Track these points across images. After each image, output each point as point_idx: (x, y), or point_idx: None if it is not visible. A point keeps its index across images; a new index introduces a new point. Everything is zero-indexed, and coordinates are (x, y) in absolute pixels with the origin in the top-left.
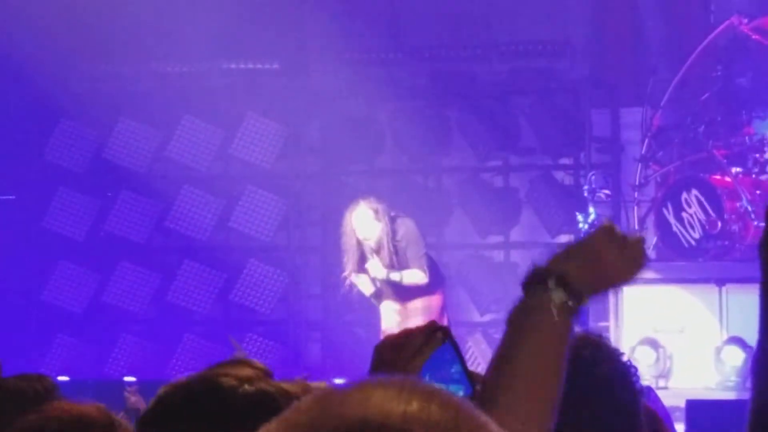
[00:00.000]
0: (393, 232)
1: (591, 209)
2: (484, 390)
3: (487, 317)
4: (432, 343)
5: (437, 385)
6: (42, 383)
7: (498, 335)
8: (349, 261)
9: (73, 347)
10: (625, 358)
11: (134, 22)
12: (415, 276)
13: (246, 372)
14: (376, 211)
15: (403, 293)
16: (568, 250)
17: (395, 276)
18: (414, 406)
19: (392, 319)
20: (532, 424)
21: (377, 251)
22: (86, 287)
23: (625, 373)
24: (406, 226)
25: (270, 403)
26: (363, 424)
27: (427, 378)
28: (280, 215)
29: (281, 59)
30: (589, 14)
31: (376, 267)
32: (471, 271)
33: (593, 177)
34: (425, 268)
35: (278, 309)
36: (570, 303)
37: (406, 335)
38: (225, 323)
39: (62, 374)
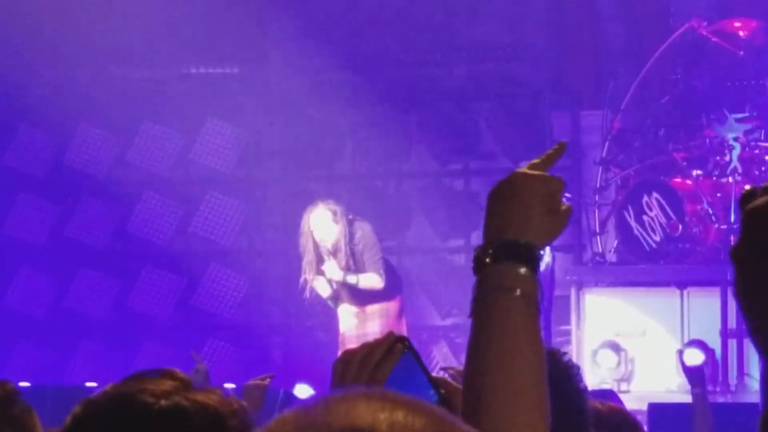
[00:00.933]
0: (350, 235)
1: None
2: (467, 394)
3: (449, 321)
4: (392, 356)
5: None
6: (4, 388)
7: (460, 339)
8: (307, 263)
9: (34, 353)
10: (566, 358)
11: (94, 28)
12: (371, 280)
13: (165, 385)
14: (334, 213)
15: (361, 297)
16: (498, 210)
17: (351, 278)
18: (399, 415)
19: (350, 322)
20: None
21: (334, 253)
22: (47, 293)
23: (567, 373)
24: (363, 230)
25: (184, 419)
26: None
27: None
28: (240, 220)
29: (241, 64)
30: (549, 17)
31: (333, 269)
32: (432, 276)
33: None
34: (381, 272)
35: (239, 314)
36: (534, 268)
37: (365, 349)
38: (186, 328)
39: (23, 380)
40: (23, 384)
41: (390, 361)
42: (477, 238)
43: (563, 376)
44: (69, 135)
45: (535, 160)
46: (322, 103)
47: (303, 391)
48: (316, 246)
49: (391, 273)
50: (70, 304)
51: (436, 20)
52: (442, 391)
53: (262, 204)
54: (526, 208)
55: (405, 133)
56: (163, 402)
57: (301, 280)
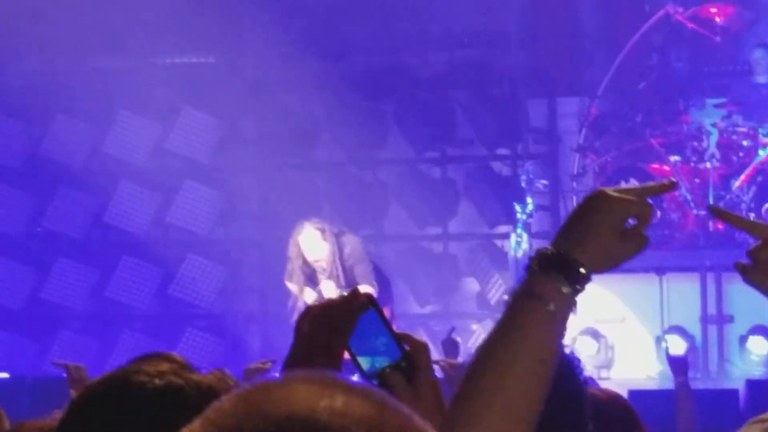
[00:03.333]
0: (339, 251)
1: (529, 200)
2: (463, 382)
3: (427, 309)
4: (356, 311)
5: (367, 360)
6: None
7: (438, 327)
8: (296, 284)
9: (12, 343)
10: (567, 350)
11: (68, 17)
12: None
13: (161, 366)
14: (322, 231)
15: None
16: (577, 228)
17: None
18: (338, 401)
19: None
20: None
21: (330, 273)
22: (24, 284)
23: (569, 364)
24: (351, 244)
25: (179, 397)
26: (288, 420)
27: (353, 349)
28: (217, 209)
29: (216, 53)
30: (524, 4)
31: (330, 289)
32: (410, 263)
33: (530, 167)
34: (374, 283)
35: (217, 303)
36: (577, 289)
37: (328, 305)
38: (164, 318)
39: (1, 371)
40: (2, 375)
41: (353, 317)
42: (454, 225)
43: (566, 368)
44: (45, 125)
45: (632, 187)
46: (297, 92)
47: None
48: (305, 266)
49: (382, 282)
50: (48, 294)
51: (412, 7)
52: (406, 346)
53: (238, 193)
54: (596, 227)
55: (381, 121)
56: (157, 381)
57: (291, 303)
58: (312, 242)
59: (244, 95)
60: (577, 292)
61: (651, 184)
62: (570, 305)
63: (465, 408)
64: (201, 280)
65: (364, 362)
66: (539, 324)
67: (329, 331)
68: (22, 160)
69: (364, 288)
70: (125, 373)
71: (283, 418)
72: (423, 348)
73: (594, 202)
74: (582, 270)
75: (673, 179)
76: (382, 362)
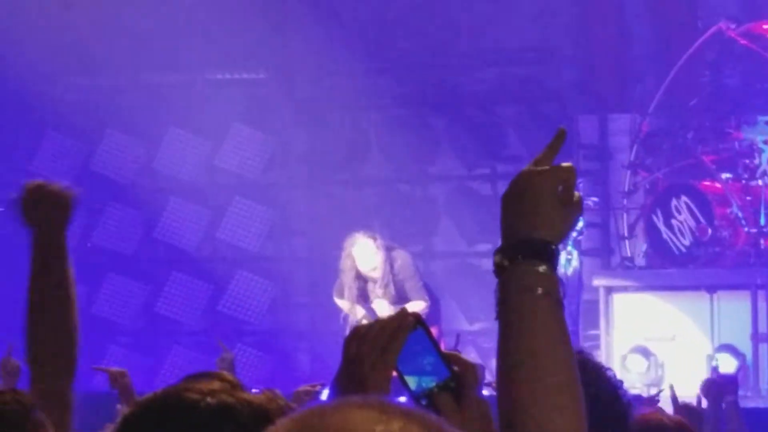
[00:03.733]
0: (390, 265)
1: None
2: (501, 399)
3: (476, 326)
4: (403, 331)
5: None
6: (20, 401)
7: (488, 344)
8: (348, 300)
9: None
10: (610, 373)
11: (120, 34)
12: (417, 307)
13: (213, 385)
14: (375, 239)
15: None
16: (511, 210)
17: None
18: (395, 426)
19: None
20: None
21: (384, 286)
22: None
23: (614, 390)
24: (401, 259)
25: (231, 416)
26: None
27: (401, 369)
28: (267, 225)
29: (267, 69)
30: (576, 20)
31: (383, 307)
32: (459, 280)
33: (581, 184)
34: (426, 297)
35: (266, 319)
36: (553, 264)
37: (377, 325)
38: (213, 334)
39: None
40: None
41: (401, 337)
42: None
43: (612, 393)
44: (96, 141)
45: (538, 155)
46: (347, 108)
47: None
48: (360, 279)
49: (431, 299)
50: (98, 310)
51: (462, 24)
52: (455, 367)
53: (288, 209)
54: (536, 204)
55: (431, 137)
56: (209, 399)
57: (342, 316)
58: (366, 252)
59: (294, 111)
60: (554, 267)
61: (550, 142)
62: (554, 281)
63: (519, 421)
64: (250, 296)
65: (411, 382)
66: (539, 310)
67: (377, 351)
68: (72, 175)
69: (416, 303)
70: (177, 391)
71: None
72: (471, 368)
73: (521, 183)
74: (548, 244)
75: (563, 128)
76: (430, 382)
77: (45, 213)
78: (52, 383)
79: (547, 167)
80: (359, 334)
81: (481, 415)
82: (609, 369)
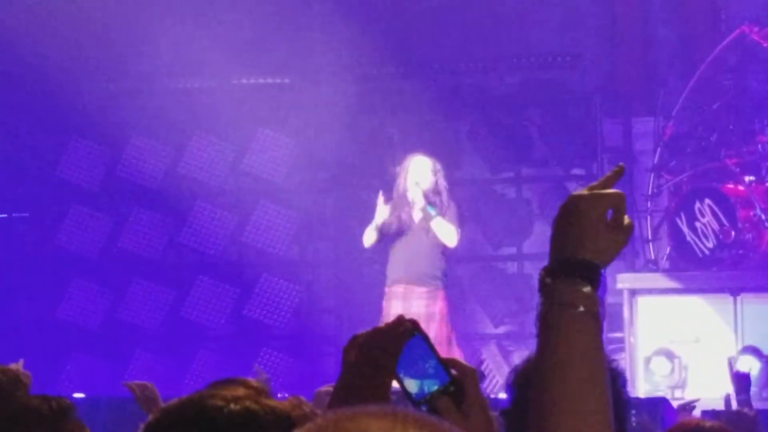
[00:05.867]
0: (439, 193)
1: None
2: (532, 409)
3: (502, 329)
4: (401, 338)
5: (416, 382)
6: (58, 404)
7: (513, 348)
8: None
9: (88, 364)
10: (614, 365)
11: (145, 39)
12: (447, 227)
13: (237, 392)
14: (434, 164)
15: (413, 275)
16: (561, 231)
17: (432, 211)
18: None
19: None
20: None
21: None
22: (100, 304)
23: (614, 379)
24: (452, 202)
25: (255, 423)
26: None
27: (401, 375)
28: (292, 229)
29: (291, 74)
30: (600, 24)
31: (418, 195)
32: (484, 284)
33: None
34: (458, 230)
35: (292, 323)
36: (595, 285)
37: (374, 333)
38: (239, 338)
39: (77, 391)
40: (78, 395)
41: (399, 344)
42: (529, 245)
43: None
44: (121, 146)
45: (594, 183)
46: (372, 112)
47: None
48: (404, 196)
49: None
50: (124, 315)
51: (486, 28)
52: (454, 371)
53: (313, 213)
54: (583, 227)
55: (456, 141)
56: (233, 406)
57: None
58: (421, 167)
59: (319, 116)
60: (595, 288)
61: (608, 173)
62: (595, 302)
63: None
64: (276, 300)
65: (412, 387)
66: (578, 328)
67: (376, 358)
68: (98, 181)
69: (449, 226)
70: (202, 397)
71: None
72: (470, 372)
73: (571, 206)
74: (592, 265)
75: (621, 164)
76: (430, 387)
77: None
78: None
79: (595, 192)
80: (358, 341)
81: (482, 417)
82: (612, 360)
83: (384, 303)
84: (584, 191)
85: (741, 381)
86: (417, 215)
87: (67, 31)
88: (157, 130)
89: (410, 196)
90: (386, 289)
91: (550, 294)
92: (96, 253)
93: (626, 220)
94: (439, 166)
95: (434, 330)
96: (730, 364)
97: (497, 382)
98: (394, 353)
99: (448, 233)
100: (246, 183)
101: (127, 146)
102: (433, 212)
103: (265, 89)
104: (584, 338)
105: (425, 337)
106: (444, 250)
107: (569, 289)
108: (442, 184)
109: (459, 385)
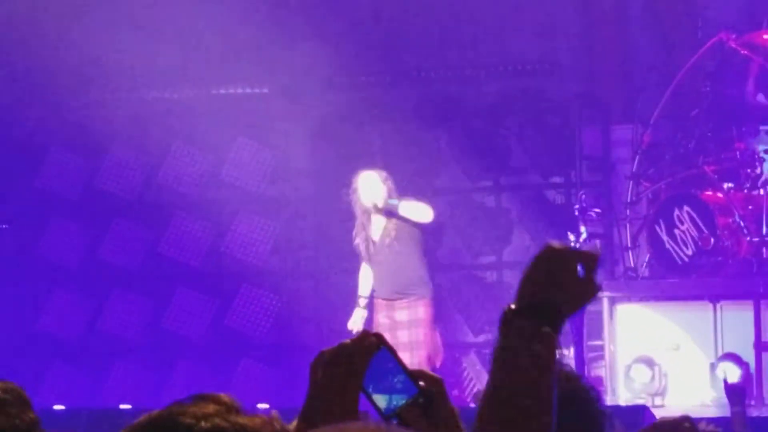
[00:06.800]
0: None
1: (582, 228)
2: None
3: (481, 338)
4: (367, 352)
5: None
6: (21, 418)
7: None
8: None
9: (68, 375)
10: (583, 382)
11: (124, 50)
12: (415, 205)
13: (207, 409)
14: (380, 173)
15: (394, 284)
16: (533, 277)
17: (394, 201)
18: None
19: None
20: None
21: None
22: (80, 315)
23: (588, 395)
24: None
25: None
26: None
27: (369, 390)
28: (272, 239)
29: (270, 84)
30: (578, 32)
31: (374, 199)
32: (464, 292)
33: (584, 195)
34: (428, 204)
35: (272, 333)
36: (556, 328)
37: (340, 348)
38: (219, 349)
39: (57, 403)
40: (58, 407)
41: (365, 358)
42: (508, 254)
43: (584, 397)
44: (100, 157)
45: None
46: (351, 121)
47: None
48: (366, 212)
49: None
50: (104, 326)
51: (465, 36)
52: (421, 383)
53: (293, 223)
54: (554, 274)
55: (435, 150)
56: (203, 423)
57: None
58: (368, 182)
59: (297, 125)
60: (556, 331)
61: (584, 250)
62: (553, 343)
63: None
64: (256, 310)
65: (381, 402)
66: (527, 367)
67: (342, 374)
68: (78, 192)
69: (419, 205)
70: (171, 414)
71: None
72: (438, 382)
73: (546, 255)
74: (557, 309)
75: (599, 250)
76: (399, 400)
77: None
78: None
79: (572, 250)
80: (323, 358)
81: (453, 425)
82: (580, 377)
83: (373, 315)
84: (560, 244)
85: (735, 393)
86: (375, 233)
87: (45, 42)
88: (136, 141)
89: (368, 206)
90: (374, 300)
91: (508, 326)
92: (76, 263)
93: (594, 281)
94: (385, 174)
95: (421, 336)
96: (724, 379)
97: (478, 391)
98: (360, 368)
99: (419, 210)
100: (225, 193)
101: (106, 157)
102: (395, 201)
103: (244, 99)
104: (533, 378)
105: (391, 350)
106: (420, 257)
107: (528, 328)
108: (393, 189)
109: (428, 395)
